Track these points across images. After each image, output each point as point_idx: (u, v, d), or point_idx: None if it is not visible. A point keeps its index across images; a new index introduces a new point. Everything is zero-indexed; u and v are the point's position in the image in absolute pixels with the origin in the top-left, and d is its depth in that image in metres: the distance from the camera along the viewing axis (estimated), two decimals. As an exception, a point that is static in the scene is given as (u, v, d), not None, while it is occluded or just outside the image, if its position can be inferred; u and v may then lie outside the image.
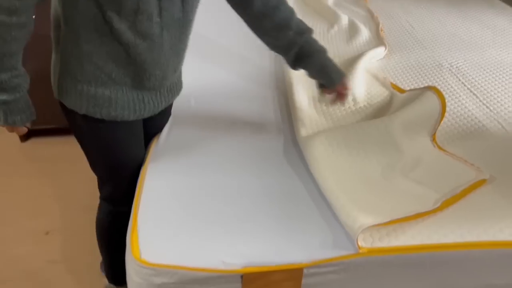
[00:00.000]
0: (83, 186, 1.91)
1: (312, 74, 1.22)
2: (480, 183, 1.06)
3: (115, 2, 0.92)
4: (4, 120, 0.98)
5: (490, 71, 1.59)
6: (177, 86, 1.21)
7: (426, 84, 1.49)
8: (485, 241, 0.93)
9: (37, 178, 2.10)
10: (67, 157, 2.13)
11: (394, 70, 1.60)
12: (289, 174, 1.13)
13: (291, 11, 1.16)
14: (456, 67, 1.62)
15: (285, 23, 1.14)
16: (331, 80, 1.20)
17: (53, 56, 1.05)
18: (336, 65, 1.21)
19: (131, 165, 1.19)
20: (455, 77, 1.56)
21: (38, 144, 2.33)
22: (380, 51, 1.68)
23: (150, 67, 1.04)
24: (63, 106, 1.08)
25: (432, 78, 1.54)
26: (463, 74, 1.57)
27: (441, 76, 1.56)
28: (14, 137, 2.32)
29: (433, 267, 0.94)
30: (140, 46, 0.99)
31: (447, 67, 1.62)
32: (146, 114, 1.13)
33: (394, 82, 1.50)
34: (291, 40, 1.15)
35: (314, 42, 1.19)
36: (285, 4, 1.15)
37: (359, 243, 0.90)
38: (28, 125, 1.04)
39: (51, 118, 1.12)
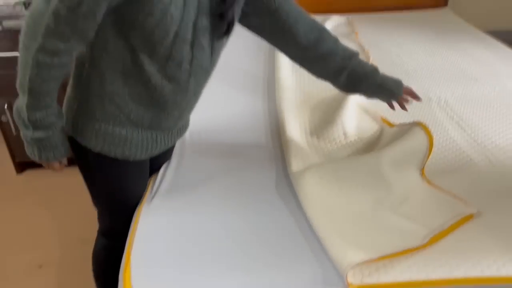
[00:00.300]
0: (78, 219, 1.92)
1: (370, 95, 1.25)
2: (468, 218, 1.07)
3: (149, 47, 0.95)
4: (39, 156, 1.01)
5: (478, 105, 1.63)
6: (185, 125, 1.25)
7: (416, 118, 1.52)
8: (473, 277, 0.94)
9: (32, 209, 2.10)
10: (63, 189, 2.15)
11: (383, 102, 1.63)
12: (281, 209, 1.14)
13: (335, 40, 1.20)
14: (445, 100, 1.66)
15: (330, 52, 1.18)
16: (393, 95, 1.24)
17: (70, 93, 1.07)
18: (392, 77, 1.24)
19: (133, 202, 1.21)
20: (444, 110, 1.60)
21: (34, 176, 2.35)
22: None
23: (170, 108, 1.07)
24: (74, 142, 1.09)
25: (421, 111, 1.58)
26: (451, 108, 1.61)
27: (430, 109, 1.60)
28: (10, 168, 2.34)
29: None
30: (165, 89, 1.03)
31: (436, 100, 1.66)
32: (156, 153, 1.16)
33: (383, 115, 1.53)
34: (339, 67, 1.19)
35: (364, 64, 1.22)
36: (328, 33, 1.19)
37: (349, 280, 0.91)
38: (64, 161, 1.07)
39: None
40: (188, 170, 1.28)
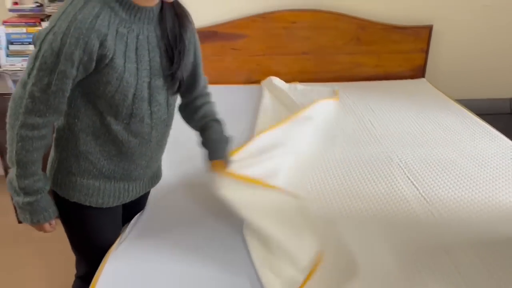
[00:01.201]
0: (70, 268, 2.05)
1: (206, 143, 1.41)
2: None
3: (113, 109, 1.13)
4: (31, 220, 1.16)
5: (435, 166, 1.77)
6: (157, 175, 1.41)
7: (375, 175, 1.67)
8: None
9: (27, 258, 2.24)
10: (57, 240, 2.28)
11: (348, 162, 1.79)
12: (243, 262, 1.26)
13: (210, 101, 1.44)
14: (405, 161, 1.81)
15: (204, 109, 1.40)
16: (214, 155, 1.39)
17: (52, 154, 1.24)
18: (226, 150, 1.41)
19: (107, 247, 1.33)
20: (402, 170, 1.74)
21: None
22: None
23: (138, 160, 1.24)
24: (55, 194, 1.24)
25: (380, 171, 1.73)
26: (409, 168, 1.75)
27: (389, 169, 1.74)
28: (12, 218, 2.50)
29: None
30: (132, 143, 1.20)
31: (397, 162, 1.80)
32: (128, 200, 1.31)
33: (346, 174, 1.68)
34: (201, 122, 1.40)
35: (216, 131, 1.40)
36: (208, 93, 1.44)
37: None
38: (53, 222, 1.21)
39: None
40: (159, 219, 1.43)
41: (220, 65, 2.77)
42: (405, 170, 1.74)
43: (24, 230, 2.47)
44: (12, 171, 1.11)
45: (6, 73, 2.53)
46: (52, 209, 1.19)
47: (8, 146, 1.10)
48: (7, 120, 1.08)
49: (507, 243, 1.31)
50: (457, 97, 2.55)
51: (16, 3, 2.59)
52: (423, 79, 2.85)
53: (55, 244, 2.26)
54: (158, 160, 1.37)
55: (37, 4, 2.57)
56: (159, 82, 1.19)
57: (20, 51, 2.58)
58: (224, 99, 2.38)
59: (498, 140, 2.00)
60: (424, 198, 1.54)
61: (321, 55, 2.82)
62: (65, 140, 1.18)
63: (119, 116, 1.16)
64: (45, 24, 2.52)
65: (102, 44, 1.05)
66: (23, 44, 2.57)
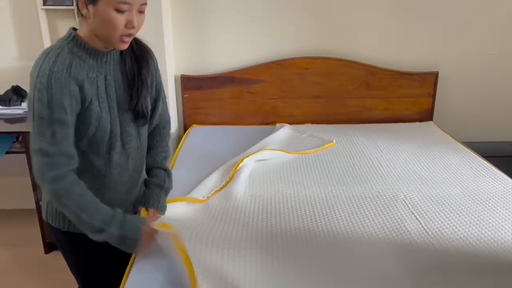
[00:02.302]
0: None
1: (147, 188, 1.50)
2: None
3: (94, 147, 1.27)
4: (135, 244, 1.27)
5: (438, 203, 1.87)
6: (138, 199, 1.49)
7: (381, 212, 1.78)
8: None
9: (55, 286, 2.37)
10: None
11: (355, 200, 1.90)
12: None
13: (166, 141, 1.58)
14: (410, 198, 1.92)
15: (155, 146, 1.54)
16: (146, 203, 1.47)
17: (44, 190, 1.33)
18: (163, 202, 1.51)
19: (100, 269, 1.42)
20: (406, 206, 1.85)
21: (59, 256, 2.62)
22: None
23: (119, 187, 1.38)
24: (49, 225, 1.37)
25: (385, 206, 1.84)
26: (414, 204, 1.86)
27: (394, 205, 1.85)
28: (39, 248, 2.66)
29: None
30: (113, 174, 1.33)
31: (402, 198, 1.92)
32: None
33: (354, 209, 1.80)
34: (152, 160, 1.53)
35: (159, 176, 1.52)
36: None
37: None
38: (154, 225, 1.35)
39: None
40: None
41: (237, 107, 2.97)
42: (409, 205, 1.85)
43: (51, 260, 2.61)
44: (84, 222, 1.21)
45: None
46: (137, 223, 1.29)
47: (65, 212, 1.23)
48: (47, 195, 1.24)
49: (496, 272, 1.40)
50: (464, 139, 2.66)
51: (54, 51, 2.86)
52: (430, 122, 2.99)
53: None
54: (138, 185, 1.48)
55: (73, 51, 2.83)
56: (127, 115, 1.32)
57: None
58: (241, 139, 2.60)
59: (501, 180, 2.09)
60: (426, 232, 1.64)
61: (332, 99, 2.99)
62: None
63: (100, 152, 1.28)
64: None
65: (81, 89, 1.18)
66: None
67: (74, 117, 1.19)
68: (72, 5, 2.71)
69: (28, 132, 2.38)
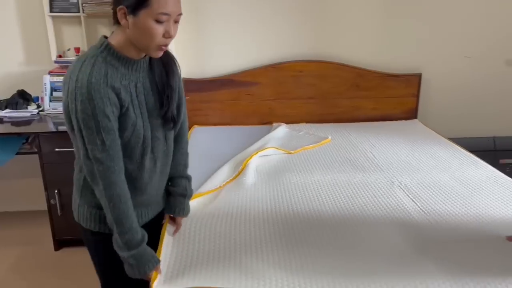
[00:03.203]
0: None
1: (171, 197, 1.58)
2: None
3: (128, 151, 1.30)
4: (138, 273, 1.30)
5: (430, 187, 2.07)
6: (163, 200, 1.57)
7: (381, 196, 1.97)
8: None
9: (65, 280, 2.47)
10: (91, 264, 2.51)
11: (355, 186, 2.09)
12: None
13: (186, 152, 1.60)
14: (404, 184, 2.11)
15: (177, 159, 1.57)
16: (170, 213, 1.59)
17: (75, 193, 1.40)
18: (187, 208, 1.60)
19: (125, 274, 1.38)
20: (402, 191, 2.04)
21: (69, 253, 2.74)
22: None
23: (148, 189, 1.41)
24: (80, 226, 1.41)
25: (384, 192, 2.03)
26: (408, 189, 2.05)
27: (392, 190, 2.05)
28: (49, 246, 2.74)
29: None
30: (143, 177, 1.37)
31: (397, 184, 2.11)
32: (142, 223, 1.44)
33: (355, 194, 1.99)
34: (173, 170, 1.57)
35: (181, 185, 1.58)
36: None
37: None
38: (159, 270, 1.35)
39: (79, 231, 1.46)
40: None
41: (236, 108, 3.13)
42: (405, 190, 2.04)
43: (61, 257, 2.70)
44: (115, 231, 1.28)
45: (48, 116, 2.86)
46: (155, 258, 1.34)
47: (106, 213, 1.28)
48: (100, 199, 1.26)
49: (482, 242, 1.60)
50: (447, 136, 2.89)
51: (60, 56, 2.97)
52: (415, 120, 3.22)
53: (89, 269, 2.49)
54: (163, 186, 1.53)
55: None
56: (156, 121, 1.36)
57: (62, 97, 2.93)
58: (240, 138, 2.76)
59: (483, 167, 2.32)
60: (423, 211, 1.84)
61: (324, 100, 3.20)
62: (85, 180, 1.32)
63: (133, 156, 1.32)
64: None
65: (118, 97, 1.22)
66: (65, 90, 2.93)
67: (117, 124, 1.24)
68: (78, 12, 2.84)
69: (37, 133, 2.54)
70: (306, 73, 3.12)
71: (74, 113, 1.17)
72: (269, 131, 2.92)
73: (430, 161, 2.41)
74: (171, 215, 1.62)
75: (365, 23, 3.14)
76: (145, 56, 1.31)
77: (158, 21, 1.20)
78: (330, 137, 2.80)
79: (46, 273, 2.55)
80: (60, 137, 2.59)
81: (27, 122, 2.77)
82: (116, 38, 1.26)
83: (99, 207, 1.32)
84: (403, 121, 3.22)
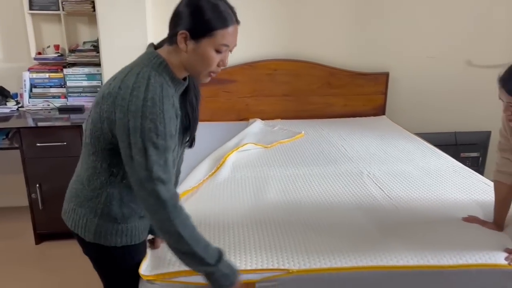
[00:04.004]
0: (84, 278, 2.33)
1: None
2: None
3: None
4: (233, 280, 1.29)
5: (396, 176, 2.25)
6: None
7: (351, 185, 2.13)
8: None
9: (47, 273, 2.52)
10: (72, 256, 2.57)
11: (328, 176, 2.24)
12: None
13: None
14: (372, 174, 2.28)
15: None
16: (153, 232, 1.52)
17: (87, 214, 1.29)
18: None
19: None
20: (371, 180, 2.21)
21: (49, 246, 2.79)
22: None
23: None
24: (95, 247, 1.31)
25: (354, 181, 2.19)
26: (376, 178, 2.22)
27: (360, 179, 2.21)
28: (30, 239, 2.79)
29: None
30: None
31: (366, 174, 2.28)
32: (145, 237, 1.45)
33: (327, 184, 2.13)
34: None
35: None
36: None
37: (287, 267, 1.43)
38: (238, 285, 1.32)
39: (61, 224, 1.42)
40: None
41: (214, 105, 3.25)
42: (373, 179, 2.21)
43: (42, 251, 2.75)
44: (197, 257, 1.22)
45: (28, 112, 2.90)
46: (235, 273, 1.32)
47: (178, 243, 1.20)
48: (164, 223, 1.18)
49: (441, 223, 1.78)
50: (412, 131, 3.08)
51: (39, 53, 3.01)
52: (383, 116, 3.41)
53: (70, 262, 2.56)
54: None
55: (59, 53, 3.00)
56: (179, 138, 1.34)
57: (42, 94, 2.98)
58: (218, 133, 2.87)
59: (444, 158, 2.52)
60: (389, 197, 2.00)
61: (298, 97, 3.35)
62: (108, 196, 1.28)
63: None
64: (67, 71, 2.94)
65: (176, 118, 1.23)
66: (45, 87, 2.98)
67: None
68: (58, 10, 2.89)
69: (19, 128, 2.58)
70: (281, 71, 3.26)
71: (138, 132, 1.13)
72: (246, 127, 3.04)
73: (396, 153, 2.59)
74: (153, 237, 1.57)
75: (337, 25, 3.31)
76: (186, 79, 1.30)
77: (218, 51, 1.20)
78: (303, 132, 2.95)
79: (27, 267, 2.59)
80: (41, 132, 2.65)
81: (6, 118, 2.80)
82: (173, 59, 1.23)
83: (119, 222, 1.30)
84: (372, 117, 3.41)
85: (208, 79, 1.29)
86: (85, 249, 1.38)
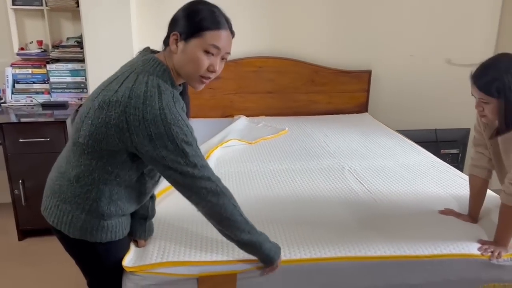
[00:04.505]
0: (67, 273, 2.34)
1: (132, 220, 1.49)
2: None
3: (153, 172, 1.37)
4: (279, 254, 1.43)
5: (376, 171, 2.30)
6: None
7: (332, 180, 2.17)
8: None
9: (30, 269, 2.52)
10: (55, 252, 2.56)
11: (310, 171, 2.28)
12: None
13: None
14: (353, 169, 2.33)
15: None
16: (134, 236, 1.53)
17: (74, 210, 1.30)
18: (148, 229, 1.57)
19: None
20: (351, 174, 2.26)
21: (33, 242, 2.78)
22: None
23: (148, 195, 1.45)
24: (80, 243, 1.33)
25: (335, 175, 2.23)
26: (357, 173, 2.27)
27: (342, 174, 2.26)
28: (13, 236, 2.77)
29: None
30: (151, 190, 1.44)
31: (347, 169, 2.33)
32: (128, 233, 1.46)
33: (310, 178, 2.18)
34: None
35: (151, 205, 1.57)
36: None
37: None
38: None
39: (44, 221, 1.41)
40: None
41: (199, 102, 3.27)
42: (354, 174, 2.26)
43: (25, 247, 2.74)
44: (251, 229, 1.36)
45: (10, 108, 2.89)
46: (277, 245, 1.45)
47: (237, 216, 1.33)
48: (224, 200, 1.30)
49: (419, 215, 1.84)
50: (394, 128, 3.15)
51: (22, 48, 2.99)
52: (366, 113, 3.47)
53: (53, 257, 2.55)
54: None
55: (42, 49, 2.99)
56: None
57: (25, 89, 2.96)
58: (202, 130, 2.89)
59: (423, 154, 2.59)
60: (369, 191, 2.05)
61: (283, 94, 3.39)
62: (99, 192, 1.29)
63: (155, 176, 1.40)
64: (50, 66, 2.93)
65: None
66: (28, 83, 2.96)
67: None
68: (41, 5, 2.88)
69: (1, 124, 2.56)
70: (266, 68, 3.30)
71: (165, 137, 1.18)
72: (230, 124, 3.07)
73: (377, 149, 2.65)
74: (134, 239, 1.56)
75: (321, 23, 3.36)
76: (180, 84, 1.33)
77: (207, 52, 1.22)
78: (287, 129, 2.99)
79: (10, 262, 2.58)
80: (24, 128, 2.65)
81: (-12, 113, 2.78)
82: (168, 63, 1.27)
83: (105, 217, 1.32)
84: (355, 114, 3.46)
85: (201, 85, 1.30)
86: (68, 246, 1.39)
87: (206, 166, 1.26)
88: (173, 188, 2.00)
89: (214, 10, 1.25)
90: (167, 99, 1.19)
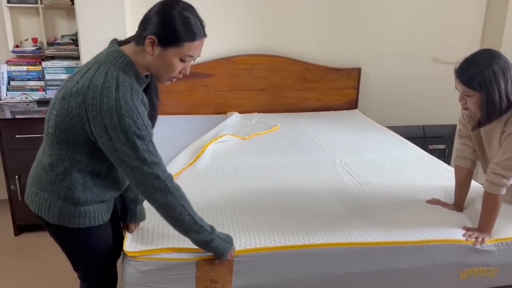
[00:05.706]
0: (63, 265, 2.35)
1: (123, 204, 1.61)
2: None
3: None
4: (230, 246, 1.46)
5: (366, 164, 2.38)
6: None
7: (324, 173, 2.24)
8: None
9: (27, 263, 2.56)
10: (51, 247, 2.59)
11: (302, 165, 2.35)
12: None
13: None
14: (344, 162, 2.41)
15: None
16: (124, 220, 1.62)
17: (51, 197, 1.35)
18: (139, 213, 1.62)
19: (109, 254, 1.53)
20: (343, 167, 2.33)
21: (29, 237, 2.81)
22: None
23: (123, 185, 1.49)
24: (60, 229, 1.38)
25: (327, 169, 2.31)
26: (348, 166, 2.35)
27: (333, 167, 2.33)
28: (9, 231, 2.80)
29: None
30: (123, 183, 1.48)
31: (338, 163, 2.40)
32: (112, 208, 1.52)
33: (302, 171, 2.25)
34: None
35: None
36: None
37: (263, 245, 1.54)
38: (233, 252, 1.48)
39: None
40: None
41: (192, 99, 3.32)
42: (345, 167, 2.34)
43: (21, 242, 2.77)
44: (197, 225, 1.38)
45: (5, 104, 2.91)
46: (230, 241, 1.49)
47: (180, 215, 1.34)
48: (167, 198, 1.31)
49: (407, 205, 1.93)
50: (383, 124, 3.23)
51: (17, 46, 3.02)
52: (356, 110, 3.56)
53: (49, 252, 2.56)
54: None
55: (37, 47, 3.02)
56: None
57: (20, 86, 2.99)
58: (195, 127, 2.95)
59: (411, 148, 2.68)
60: (359, 183, 2.13)
61: (274, 91, 3.45)
62: (72, 180, 1.33)
63: None
64: (45, 64, 2.97)
65: (145, 110, 1.31)
66: (23, 80, 2.99)
67: None
68: (36, 3, 2.91)
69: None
70: (258, 66, 3.36)
71: (118, 128, 1.22)
72: (223, 120, 3.13)
73: (367, 144, 2.73)
74: (126, 223, 1.63)
75: (311, 22, 3.43)
76: (147, 76, 1.38)
77: (182, 60, 1.30)
78: (279, 125, 3.06)
79: (7, 257, 2.62)
80: (20, 124, 2.67)
81: (-17, 110, 2.80)
82: (136, 58, 1.31)
83: (82, 204, 1.36)
84: (345, 111, 3.54)
85: (168, 83, 1.37)
86: (50, 231, 1.45)
87: (156, 163, 1.29)
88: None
89: (189, 18, 1.29)
90: (124, 90, 1.23)
